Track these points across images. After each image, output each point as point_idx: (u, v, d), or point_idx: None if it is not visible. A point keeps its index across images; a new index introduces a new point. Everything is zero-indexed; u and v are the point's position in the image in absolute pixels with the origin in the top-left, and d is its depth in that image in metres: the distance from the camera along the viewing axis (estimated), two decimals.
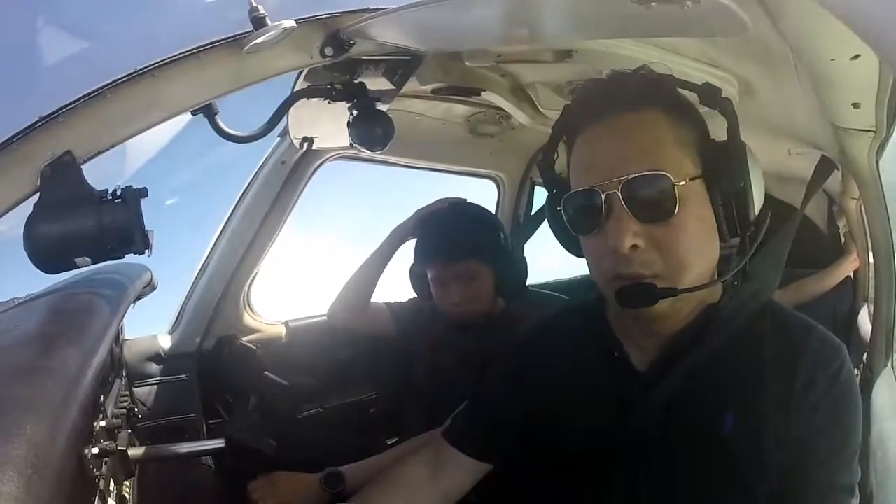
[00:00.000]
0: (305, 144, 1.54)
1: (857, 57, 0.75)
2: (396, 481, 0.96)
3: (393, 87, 1.23)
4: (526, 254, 1.98)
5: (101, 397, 0.95)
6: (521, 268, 1.56)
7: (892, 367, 1.39)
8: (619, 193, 0.71)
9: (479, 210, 1.55)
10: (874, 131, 1.06)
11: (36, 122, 0.77)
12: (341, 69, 1.13)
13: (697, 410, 0.77)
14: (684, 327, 0.80)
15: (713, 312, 0.80)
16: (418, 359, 1.60)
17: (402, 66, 1.15)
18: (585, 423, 0.83)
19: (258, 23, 0.85)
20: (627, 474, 0.81)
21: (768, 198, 0.79)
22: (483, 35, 1.03)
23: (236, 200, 1.69)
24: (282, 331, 1.86)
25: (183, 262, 1.86)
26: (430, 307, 1.58)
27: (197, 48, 0.86)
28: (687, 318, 0.80)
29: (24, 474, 0.44)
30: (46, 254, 0.78)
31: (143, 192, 0.82)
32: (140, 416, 1.31)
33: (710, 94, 0.76)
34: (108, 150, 0.83)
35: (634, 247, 0.72)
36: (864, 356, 1.55)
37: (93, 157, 0.81)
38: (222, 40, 0.87)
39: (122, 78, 0.82)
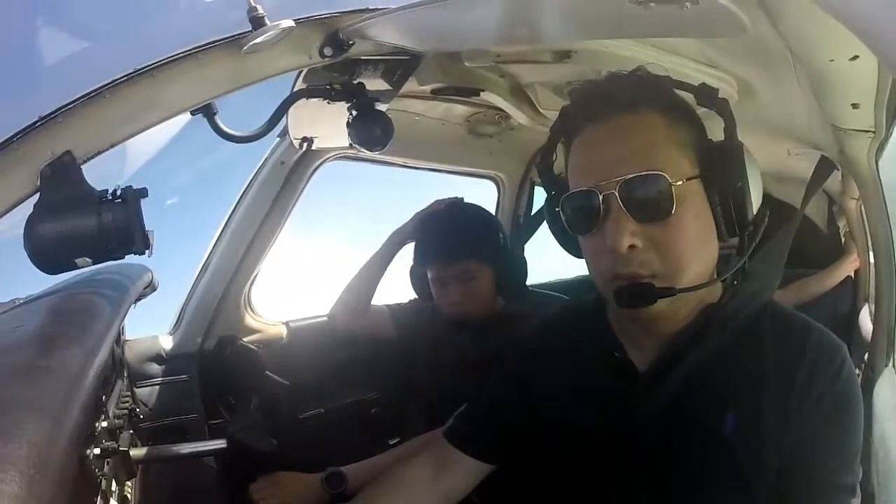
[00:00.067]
0: (305, 144, 1.54)
1: (856, 58, 0.75)
2: (398, 481, 0.96)
3: (392, 88, 1.23)
4: (526, 254, 1.99)
5: (103, 397, 0.95)
6: (521, 268, 1.56)
7: (894, 366, 1.39)
8: (617, 194, 0.72)
9: (478, 210, 1.55)
10: (873, 132, 1.06)
11: (36, 122, 0.77)
12: (340, 69, 1.13)
13: (697, 410, 0.77)
14: (684, 327, 0.80)
15: (713, 312, 0.80)
16: (419, 359, 1.60)
17: (401, 66, 1.15)
18: (586, 423, 0.83)
19: (257, 23, 0.85)
20: (628, 474, 0.81)
21: (768, 198, 0.79)
22: (482, 35, 1.03)
23: (236, 201, 1.69)
24: (283, 331, 1.86)
25: (183, 263, 1.87)
26: (430, 308, 1.58)
27: (196, 48, 0.86)
28: (687, 318, 0.80)
29: (25, 474, 0.44)
30: (47, 254, 0.78)
31: (143, 193, 0.82)
32: (142, 416, 1.31)
33: (706, 95, 0.77)
34: (107, 150, 0.83)
35: (632, 247, 0.72)
36: (866, 356, 1.55)
37: (93, 158, 0.81)
38: (221, 40, 0.87)
39: (121, 78, 0.82)
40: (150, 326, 1.67)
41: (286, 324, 1.88)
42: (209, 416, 1.62)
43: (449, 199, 1.61)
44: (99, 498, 0.76)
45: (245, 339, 1.71)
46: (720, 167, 0.74)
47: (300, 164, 1.68)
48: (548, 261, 2.16)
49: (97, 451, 0.76)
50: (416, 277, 1.55)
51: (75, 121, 0.79)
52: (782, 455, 0.74)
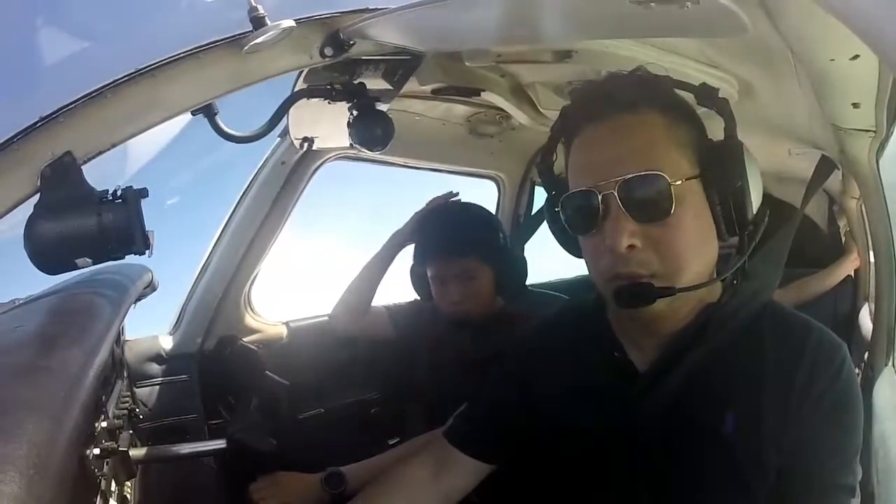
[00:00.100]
0: (305, 145, 1.54)
1: (856, 57, 0.75)
2: (398, 481, 0.96)
3: (392, 88, 1.23)
4: (526, 254, 1.99)
5: (103, 398, 0.95)
6: (521, 267, 1.56)
7: (894, 365, 1.39)
8: (616, 194, 0.72)
9: (478, 209, 1.55)
10: (874, 131, 1.06)
11: (36, 123, 0.77)
12: (341, 69, 1.13)
13: (697, 410, 0.77)
14: (684, 327, 0.80)
15: (713, 312, 0.80)
16: (419, 358, 1.60)
17: (401, 66, 1.15)
18: (586, 423, 0.83)
19: (258, 23, 0.85)
20: (628, 474, 0.81)
21: (768, 198, 0.79)
22: (483, 35, 1.03)
23: (236, 201, 1.69)
24: (283, 331, 1.86)
25: (183, 263, 1.87)
26: (430, 307, 1.59)
27: (197, 48, 0.86)
28: (687, 318, 0.80)
29: (25, 474, 0.44)
30: (47, 254, 0.78)
31: (143, 193, 0.82)
32: (141, 416, 1.31)
33: (706, 94, 0.77)
34: (108, 150, 0.83)
35: (631, 246, 0.72)
36: (866, 355, 1.55)
37: (93, 158, 0.81)
38: (222, 40, 0.87)
39: (122, 78, 0.82)
40: (151, 326, 1.68)
41: (286, 324, 1.88)
42: (209, 416, 1.62)
43: (445, 194, 1.61)
44: (98, 498, 0.76)
45: (245, 339, 1.71)
46: (720, 167, 0.74)
47: (301, 164, 1.68)
48: (548, 261, 2.16)
49: (97, 451, 0.76)
50: (417, 276, 1.55)
51: (76, 121, 0.79)
52: (782, 455, 0.74)
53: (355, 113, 1.23)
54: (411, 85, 1.26)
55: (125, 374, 1.39)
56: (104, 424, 0.83)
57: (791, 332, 0.78)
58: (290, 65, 0.96)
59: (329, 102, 1.19)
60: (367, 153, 1.35)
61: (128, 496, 0.95)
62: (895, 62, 0.40)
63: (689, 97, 0.78)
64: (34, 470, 0.45)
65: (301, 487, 1.15)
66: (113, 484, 0.84)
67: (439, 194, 1.64)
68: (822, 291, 2.19)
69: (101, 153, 0.82)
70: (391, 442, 1.63)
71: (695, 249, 0.74)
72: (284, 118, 1.38)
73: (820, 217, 2.37)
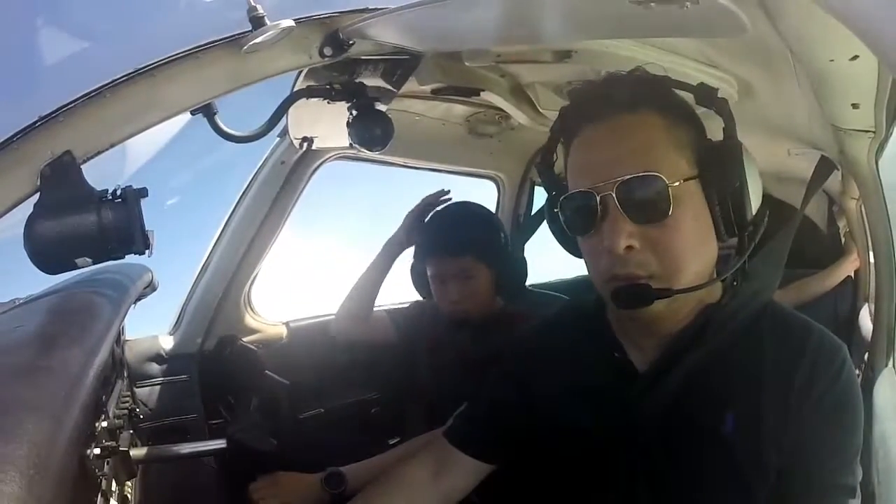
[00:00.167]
0: (305, 144, 1.54)
1: (856, 58, 0.75)
2: (398, 482, 0.96)
3: (392, 87, 1.23)
4: (526, 254, 1.99)
5: (103, 397, 0.95)
6: (521, 267, 1.56)
7: (894, 366, 1.39)
8: (614, 195, 0.72)
9: (478, 208, 1.55)
10: (873, 132, 1.06)
11: (36, 122, 0.77)
12: (340, 69, 1.13)
13: (697, 410, 0.77)
14: (684, 327, 0.80)
15: (713, 312, 0.80)
16: (419, 359, 1.60)
17: (401, 66, 1.15)
18: (585, 423, 0.83)
19: (257, 23, 0.85)
20: (627, 474, 0.81)
21: (768, 198, 0.79)
22: (482, 35, 1.03)
23: (236, 201, 1.69)
24: (282, 331, 1.86)
25: (183, 263, 1.87)
26: (431, 307, 1.59)
27: (196, 48, 0.86)
28: (686, 318, 0.80)
29: (25, 474, 0.44)
30: (47, 254, 0.78)
31: (143, 193, 0.82)
32: (142, 416, 1.31)
33: (705, 94, 0.77)
34: (107, 150, 0.83)
35: (630, 247, 0.72)
36: (866, 355, 1.55)
37: (93, 157, 0.81)
38: (221, 40, 0.87)
39: (121, 78, 0.82)
40: (151, 326, 1.68)
41: (286, 324, 1.88)
42: (209, 415, 1.62)
43: (436, 193, 1.60)
44: (99, 498, 0.76)
45: (245, 339, 1.71)
46: (719, 167, 0.74)
47: (300, 163, 1.68)
48: (548, 261, 2.16)
49: (97, 451, 0.76)
50: (417, 274, 1.55)
51: (75, 121, 0.79)
52: (782, 455, 0.74)
53: (355, 113, 1.23)
54: (411, 85, 1.26)
55: (125, 374, 1.39)
56: (104, 424, 0.83)
57: (791, 333, 0.78)
58: (289, 65, 0.96)
59: (328, 102, 1.19)
60: (366, 153, 1.34)
61: (128, 496, 0.95)
62: (895, 62, 0.40)
63: (688, 97, 0.78)
64: (34, 470, 0.45)
65: (301, 487, 1.15)
66: (113, 484, 0.84)
67: (432, 192, 1.63)
68: (822, 292, 2.19)
69: (100, 153, 0.82)
70: (391, 442, 1.63)
71: (693, 250, 0.74)
72: (284, 118, 1.38)
73: (820, 217, 2.37)
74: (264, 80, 0.94)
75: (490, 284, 1.45)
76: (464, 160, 2.17)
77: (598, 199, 0.73)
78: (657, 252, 0.72)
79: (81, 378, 0.66)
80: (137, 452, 1.00)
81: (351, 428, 1.85)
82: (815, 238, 2.33)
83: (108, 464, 0.81)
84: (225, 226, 1.69)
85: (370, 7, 0.93)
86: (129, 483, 0.94)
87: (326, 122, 1.37)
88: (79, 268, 0.81)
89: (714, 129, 0.79)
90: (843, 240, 2.33)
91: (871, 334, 1.56)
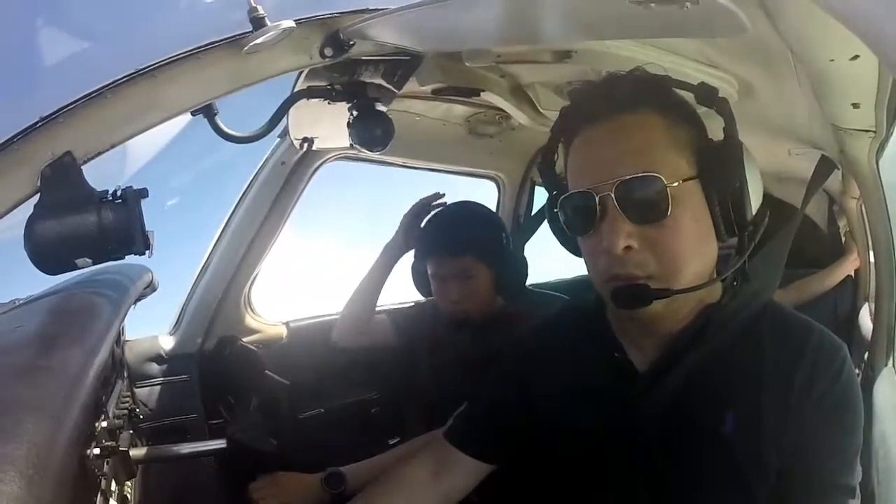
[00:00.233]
0: (305, 145, 1.54)
1: (856, 57, 0.74)
2: (398, 482, 0.96)
3: (392, 88, 1.23)
4: (526, 254, 1.99)
5: (103, 397, 0.95)
6: (521, 267, 1.56)
7: (894, 365, 1.39)
8: (613, 195, 0.72)
9: (479, 208, 1.55)
10: (874, 132, 1.06)
11: (36, 123, 0.77)
12: (341, 69, 1.13)
13: (697, 410, 0.77)
14: (684, 327, 0.80)
15: (713, 312, 0.80)
16: (418, 359, 1.60)
17: (401, 66, 1.15)
18: (585, 423, 0.83)
19: (258, 23, 0.85)
20: (627, 474, 0.81)
21: (768, 198, 0.79)
22: (482, 35, 1.03)
23: (236, 201, 1.69)
24: (282, 331, 1.86)
25: (183, 263, 1.87)
26: (431, 307, 1.59)
27: (197, 48, 0.86)
28: (686, 318, 0.80)
29: (25, 474, 0.44)
30: (47, 255, 0.78)
31: (143, 193, 0.82)
32: (142, 416, 1.31)
33: (705, 94, 0.77)
34: (108, 150, 0.83)
35: (628, 248, 0.72)
36: (866, 355, 1.55)
37: (93, 158, 0.81)
38: (222, 41, 0.87)
39: (122, 78, 0.82)
40: (151, 327, 1.68)
41: (286, 324, 1.88)
42: (209, 416, 1.62)
43: (431, 195, 1.60)
44: (99, 498, 0.76)
45: (245, 340, 1.71)
46: (719, 168, 0.74)
47: (300, 164, 1.68)
48: (548, 261, 2.16)
49: (97, 451, 0.76)
50: (417, 273, 1.55)
51: (76, 121, 0.79)
52: (782, 455, 0.74)
53: (355, 113, 1.23)
54: (411, 85, 1.26)
55: (125, 374, 1.39)
56: (104, 424, 0.83)
57: (791, 333, 0.78)
58: (290, 65, 0.96)
59: (329, 103, 1.19)
60: (366, 153, 1.34)
61: (128, 496, 0.95)
62: (895, 62, 0.40)
63: (689, 97, 0.78)
64: (34, 470, 0.45)
65: (301, 487, 1.15)
66: (113, 484, 0.84)
67: (426, 195, 1.62)
68: (822, 292, 2.19)
69: (100, 153, 0.82)
70: (391, 442, 1.63)
71: (693, 250, 0.74)
72: (284, 118, 1.38)
73: (820, 217, 2.37)
74: (265, 80, 0.94)
75: (490, 284, 1.45)
76: (464, 160, 2.17)
77: (597, 199, 0.73)
78: (656, 252, 0.72)
79: (81, 378, 0.66)
80: (137, 452, 1.00)
81: (351, 428, 1.85)
82: (816, 238, 2.33)
83: (107, 464, 0.81)
84: (225, 226, 1.69)
85: (370, 7, 0.93)
86: (128, 483, 0.94)
87: (327, 123, 1.37)
88: (79, 268, 0.81)
89: (714, 129, 0.79)
90: (843, 239, 2.33)
91: (871, 334, 1.56)
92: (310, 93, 1.16)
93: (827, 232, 2.38)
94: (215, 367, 1.65)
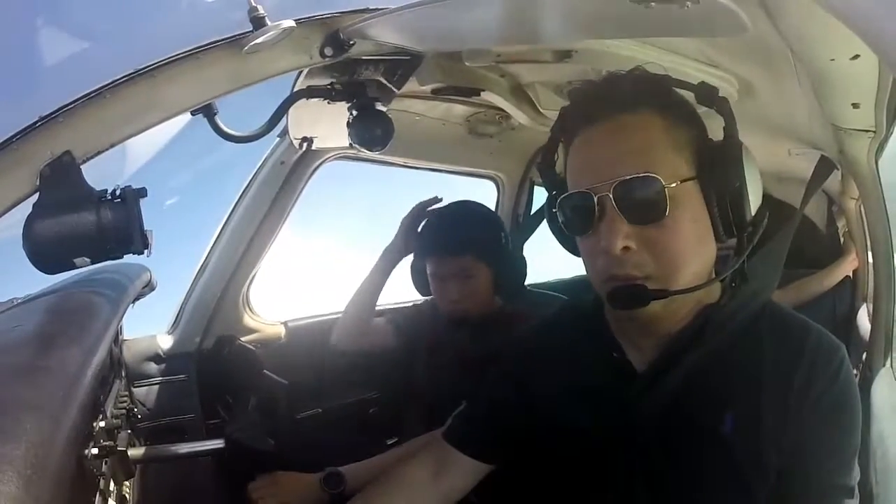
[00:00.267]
0: (305, 144, 1.54)
1: (856, 57, 0.75)
2: (397, 482, 0.96)
3: (392, 88, 1.23)
4: (525, 254, 1.99)
5: (101, 397, 0.95)
6: (521, 267, 1.56)
7: (892, 366, 1.40)
8: (611, 195, 0.72)
9: (479, 208, 1.55)
10: (874, 131, 1.06)
11: (36, 122, 0.77)
12: (341, 69, 1.13)
13: (696, 410, 0.77)
14: (683, 327, 0.80)
15: (712, 313, 0.80)
16: (417, 358, 1.60)
17: (401, 66, 1.15)
18: (584, 423, 0.83)
19: (258, 23, 0.85)
20: (625, 474, 0.81)
21: (767, 198, 0.79)
22: (483, 35, 1.03)
23: (236, 200, 1.69)
24: (281, 331, 1.86)
25: (182, 263, 1.87)
26: (430, 307, 1.59)
27: (196, 48, 0.86)
28: (685, 319, 0.80)
29: (23, 474, 0.44)
30: (45, 254, 0.78)
31: (142, 193, 0.82)
32: (140, 416, 1.31)
33: (706, 94, 0.77)
34: (107, 150, 0.83)
35: (626, 248, 0.72)
36: (864, 355, 1.55)
37: (92, 158, 0.81)
38: (222, 40, 0.87)
39: (121, 78, 0.82)
40: (149, 326, 1.67)
41: (284, 323, 1.87)
42: (207, 415, 1.61)
43: (430, 199, 1.60)
44: (97, 497, 0.76)
45: (243, 339, 1.71)
46: (718, 168, 0.74)
47: (300, 164, 1.68)
48: (547, 261, 2.16)
49: (95, 450, 0.76)
50: (417, 272, 1.55)
51: (75, 121, 0.79)
52: (781, 455, 0.74)
53: (355, 113, 1.23)
54: (411, 85, 1.26)
55: (123, 374, 1.38)
56: (102, 424, 0.82)
57: (790, 333, 0.78)
58: (290, 65, 0.95)
59: (329, 102, 1.19)
60: (366, 153, 1.34)
61: (126, 496, 0.95)
62: (895, 62, 0.40)
63: (689, 96, 0.78)
64: (32, 470, 0.45)
65: (300, 487, 1.15)
66: (111, 483, 0.84)
67: (424, 199, 1.62)
68: (821, 292, 2.20)
69: (100, 153, 0.82)
70: (389, 442, 1.63)
71: (691, 251, 0.74)
72: (284, 118, 1.38)
73: (819, 217, 2.37)
74: (265, 80, 0.94)
75: (490, 284, 1.45)
76: (464, 160, 2.17)
77: (595, 199, 0.73)
78: (654, 253, 0.72)
79: (79, 378, 0.66)
80: (135, 452, 1.00)
81: (349, 428, 1.85)
82: (814, 238, 2.33)
83: (106, 464, 0.81)
84: (224, 225, 1.68)
85: (370, 7, 0.93)
86: (127, 483, 0.94)
87: (326, 123, 1.37)
88: (77, 267, 0.81)
89: (715, 129, 0.79)
90: (841, 240, 2.33)
91: (869, 334, 1.56)
92: (309, 92, 1.16)
93: (826, 232, 2.38)
94: (213, 367, 1.64)
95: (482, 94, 1.48)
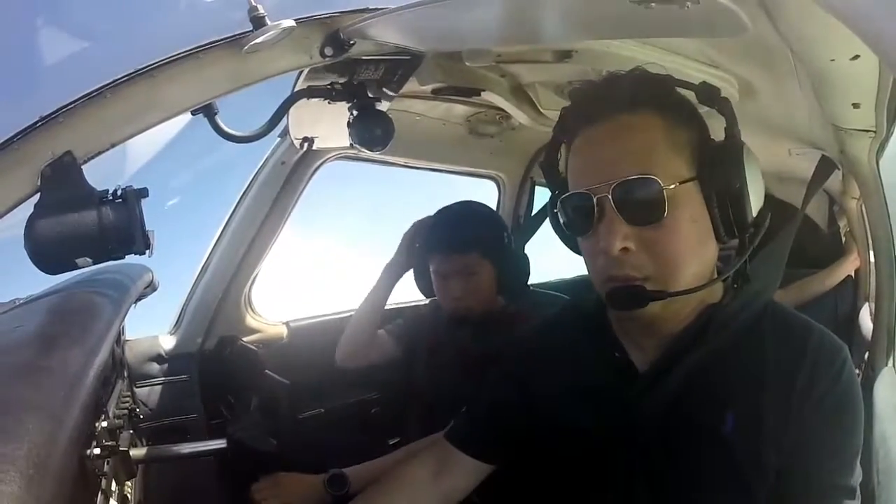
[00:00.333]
0: (305, 145, 1.54)
1: (856, 57, 0.74)
2: (399, 482, 0.96)
3: (392, 88, 1.23)
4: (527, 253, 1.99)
5: (103, 397, 0.95)
6: (523, 266, 1.56)
7: (894, 365, 1.39)
8: (610, 196, 0.72)
9: (482, 207, 1.55)
10: (874, 131, 1.06)
11: (36, 122, 0.77)
12: (341, 69, 1.13)
13: (698, 410, 0.77)
14: (685, 327, 0.80)
15: (714, 312, 0.79)
16: (419, 358, 1.60)
17: (401, 66, 1.15)
18: (585, 423, 0.83)
19: (258, 23, 0.85)
20: (627, 474, 0.81)
21: (769, 198, 0.79)
22: (483, 35, 1.03)
23: (237, 201, 1.69)
24: (283, 331, 1.86)
25: (183, 263, 1.87)
26: (430, 308, 1.59)
27: (196, 48, 0.86)
28: (687, 319, 0.80)
29: (25, 474, 0.44)
30: (47, 254, 0.78)
31: (143, 193, 0.82)
32: (142, 416, 1.31)
33: (707, 93, 0.76)
34: (108, 150, 0.83)
35: (625, 249, 0.72)
36: (866, 355, 1.55)
37: (93, 158, 0.81)
38: (222, 40, 0.87)
39: (121, 78, 0.82)
40: (151, 327, 1.68)
41: (286, 324, 1.88)
42: (209, 415, 1.62)
43: (429, 216, 1.59)
44: (99, 498, 0.76)
45: (245, 339, 1.71)
46: (718, 169, 0.73)
47: (301, 164, 1.68)
48: (548, 260, 2.16)
49: (97, 450, 0.76)
50: (419, 272, 1.55)
51: (76, 121, 0.79)
52: (782, 455, 0.74)
53: (355, 113, 1.23)
54: (411, 85, 1.26)
55: (125, 374, 1.39)
56: (104, 424, 0.82)
57: (792, 334, 0.78)
58: (290, 65, 0.96)
59: (329, 102, 1.19)
60: (367, 153, 1.35)
61: (128, 496, 0.95)
62: (895, 62, 0.40)
63: (690, 96, 0.78)
64: (34, 469, 0.45)
65: (303, 489, 1.15)
66: (113, 484, 0.84)
67: (424, 217, 1.60)
68: (823, 292, 2.19)
69: (101, 153, 0.82)
70: (391, 442, 1.63)
71: (691, 252, 0.74)
72: (284, 118, 1.38)
73: (820, 217, 2.37)
74: (265, 80, 0.94)
75: (493, 282, 1.45)
76: (464, 160, 2.17)
77: (594, 200, 0.73)
78: (653, 254, 0.72)
79: (81, 378, 0.66)
80: (137, 452, 1.00)
81: (351, 428, 1.85)
82: (816, 238, 2.33)
83: (107, 464, 0.81)
84: (225, 226, 1.69)
85: (371, 7, 0.93)
86: (128, 483, 0.94)
87: (327, 123, 1.37)
88: (79, 268, 0.81)
89: (716, 129, 0.79)
90: (843, 239, 2.33)
91: (871, 334, 1.56)
92: (310, 92, 1.16)
93: (827, 232, 2.38)
94: (215, 367, 1.65)
95: (482, 94, 1.48)
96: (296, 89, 1.17)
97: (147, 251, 0.83)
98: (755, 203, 0.75)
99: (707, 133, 0.78)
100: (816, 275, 2.21)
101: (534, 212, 2.32)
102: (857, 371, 0.85)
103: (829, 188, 2.08)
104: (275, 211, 1.69)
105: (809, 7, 0.56)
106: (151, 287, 1.24)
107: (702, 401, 0.77)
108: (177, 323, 1.69)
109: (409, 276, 1.60)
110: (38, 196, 0.78)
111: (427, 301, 1.67)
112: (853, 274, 2.25)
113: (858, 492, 0.76)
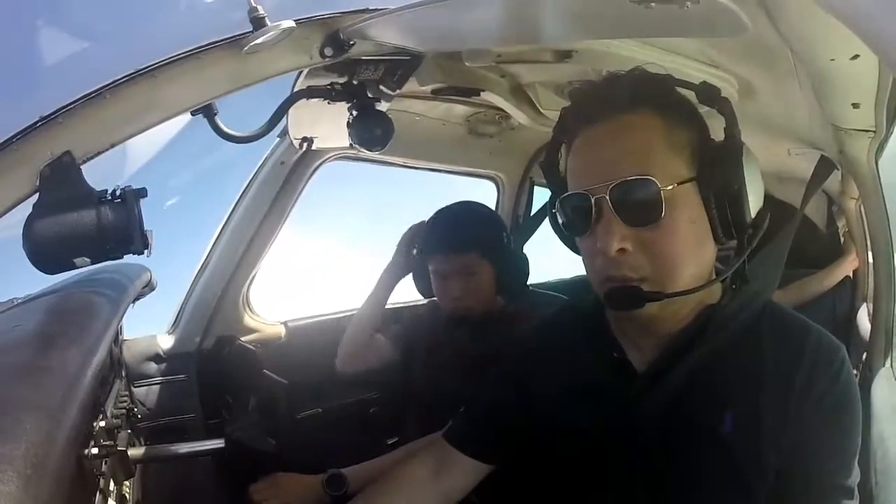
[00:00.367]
0: (305, 145, 1.54)
1: (856, 57, 0.75)
2: (398, 481, 0.96)
3: (392, 88, 1.23)
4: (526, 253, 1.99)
5: (101, 397, 0.95)
6: (523, 266, 1.56)
7: (892, 366, 1.39)
8: (608, 197, 0.72)
9: (481, 207, 1.55)
10: (874, 131, 1.06)
11: (36, 123, 0.77)
12: (341, 69, 1.13)
13: (697, 411, 0.77)
14: (684, 327, 0.80)
15: (713, 313, 0.79)
16: (417, 358, 1.60)
17: (401, 66, 1.15)
18: (584, 423, 0.83)
19: (258, 23, 0.85)
20: (626, 474, 0.81)
21: (768, 198, 0.79)
22: (483, 35, 1.03)
23: (236, 201, 1.69)
24: (281, 331, 1.86)
25: (182, 263, 1.87)
26: (429, 308, 1.59)
27: (197, 48, 0.86)
28: (686, 319, 0.80)
29: (23, 474, 0.44)
30: (45, 254, 0.78)
31: (142, 193, 0.82)
32: (140, 416, 1.31)
33: (707, 93, 0.76)
34: (107, 150, 0.83)
35: (623, 250, 0.72)
36: (864, 355, 1.55)
37: (92, 158, 0.81)
38: (222, 41, 0.87)
39: (121, 78, 0.82)
40: (149, 326, 1.68)
41: (284, 323, 1.88)
42: (207, 415, 1.62)
43: (424, 222, 1.58)
44: (97, 497, 0.76)
45: (243, 339, 1.71)
46: (717, 170, 0.73)
47: (300, 164, 1.68)
48: (547, 260, 2.16)
49: (95, 450, 0.76)
50: (418, 273, 1.55)
51: (75, 121, 0.79)
52: (781, 456, 0.74)
53: (355, 113, 1.23)
54: (411, 85, 1.26)
55: (123, 374, 1.39)
56: (102, 424, 0.82)
57: (790, 334, 0.78)
58: (290, 65, 0.96)
59: (329, 103, 1.19)
60: (366, 153, 1.34)
61: (126, 495, 0.95)
62: (895, 62, 0.40)
63: (691, 96, 0.78)
64: (32, 469, 0.45)
65: (301, 489, 1.15)
66: (111, 483, 0.84)
67: (418, 221, 1.61)
68: (821, 292, 2.19)
69: (100, 153, 0.82)
70: (390, 442, 1.63)
71: (689, 253, 0.74)
72: (284, 118, 1.38)
73: (819, 217, 2.37)
74: (265, 80, 0.94)
75: (492, 282, 1.45)
76: (464, 160, 2.17)
77: (592, 201, 0.73)
78: (651, 255, 0.72)
79: (80, 378, 0.66)
80: (135, 452, 1.00)
81: (349, 428, 1.85)
82: (815, 238, 2.33)
83: (106, 463, 0.81)
84: (224, 226, 1.69)
85: (370, 7, 0.93)
86: (127, 483, 0.94)
87: (326, 123, 1.37)
88: (77, 268, 0.81)
89: (716, 129, 0.79)
90: (842, 240, 2.33)
91: (869, 334, 1.56)
92: (309, 93, 1.16)
93: (826, 232, 2.38)
94: (214, 367, 1.64)
95: (482, 94, 1.48)
96: (295, 89, 1.17)
97: (145, 251, 0.83)
98: (754, 204, 0.75)
99: (707, 133, 0.78)
100: (815, 275, 2.21)
101: (533, 212, 2.32)
102: (854, 371, 0.85)
103: (828, 188, 2.08)
104: (274, 211, 1.69)
105: (809, 7, 0.56)
106: (150, 287, 1.24)
107: (701, 401, 0.77)
108: (175, 322, 1.68)
109: (408, 277, 1.60)
110: (37, 196, 0.78)
111: (425, 301, 1.66)
112: (851, 274, 2.26)
113: (857, 491, 0.76)
